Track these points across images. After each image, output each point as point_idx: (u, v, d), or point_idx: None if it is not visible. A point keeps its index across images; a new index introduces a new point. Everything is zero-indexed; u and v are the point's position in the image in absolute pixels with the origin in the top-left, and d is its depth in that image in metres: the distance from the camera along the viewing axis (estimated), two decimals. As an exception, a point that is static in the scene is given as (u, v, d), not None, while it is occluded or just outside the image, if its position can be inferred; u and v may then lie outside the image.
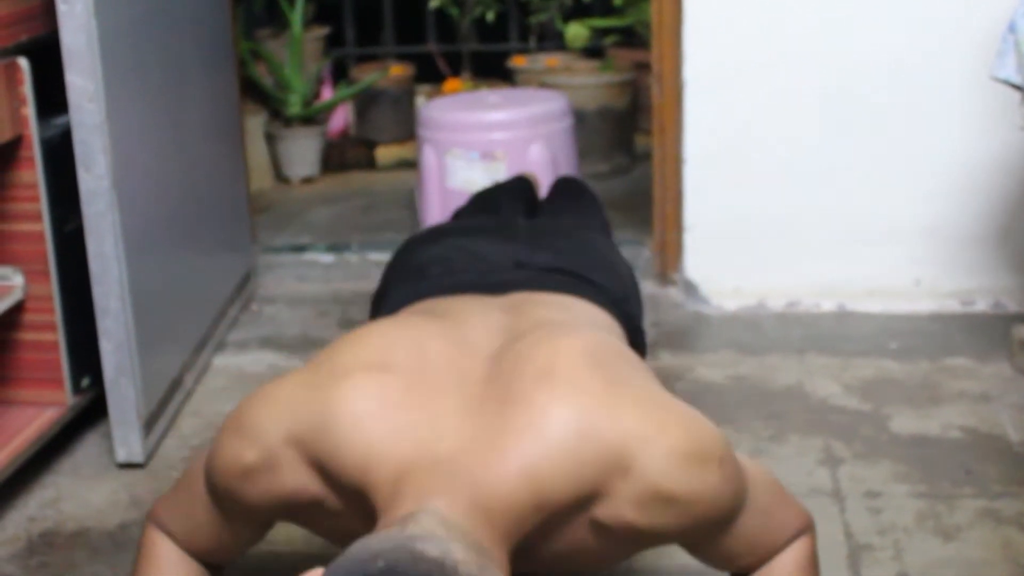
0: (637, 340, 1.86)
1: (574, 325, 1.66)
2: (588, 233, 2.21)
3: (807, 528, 1.61)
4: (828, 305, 3.04)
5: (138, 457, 2.38)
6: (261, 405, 1.49)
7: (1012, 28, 2.43)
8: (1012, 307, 2.98)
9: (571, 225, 2.37)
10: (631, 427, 1.42)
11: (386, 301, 1.87)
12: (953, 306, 3.00)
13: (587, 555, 1.49)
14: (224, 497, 1.53)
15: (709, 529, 1.48)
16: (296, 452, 1.45)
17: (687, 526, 1.45)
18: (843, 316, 3.00)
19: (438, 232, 2.14)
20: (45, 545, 2.16)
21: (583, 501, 1.42)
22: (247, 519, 1.56)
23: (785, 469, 2.26)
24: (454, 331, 1.57)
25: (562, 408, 1.42)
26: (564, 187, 2.92)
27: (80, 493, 2.32)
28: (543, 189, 3.13)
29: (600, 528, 1.44)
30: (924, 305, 3.01)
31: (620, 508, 1.42)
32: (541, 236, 2.04)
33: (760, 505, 1.54)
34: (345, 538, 1.44)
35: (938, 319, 2.96)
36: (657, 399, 1.49)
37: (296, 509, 1.51)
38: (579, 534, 1.45)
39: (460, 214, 2.67)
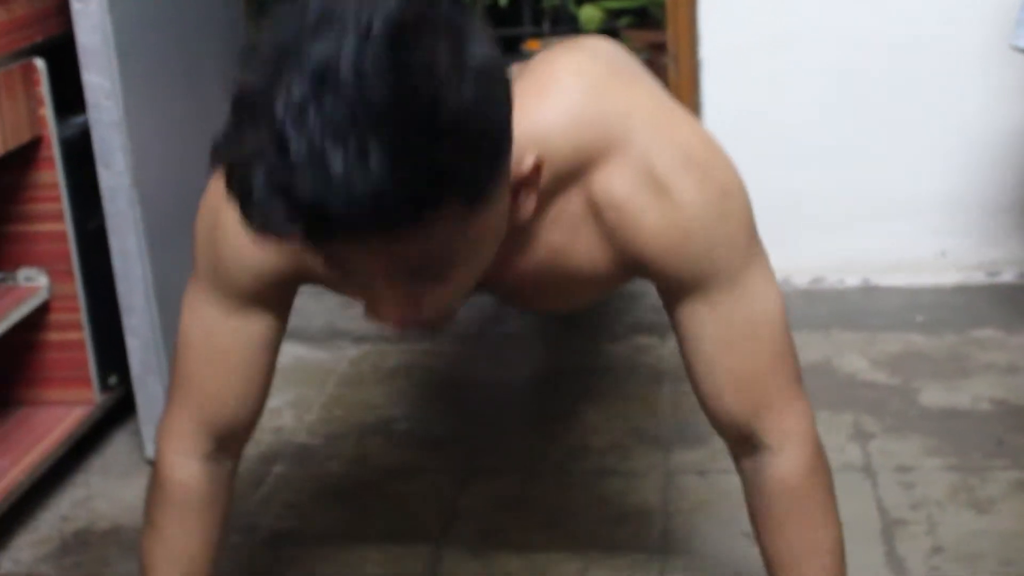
0: None
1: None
2: None
3: (804, 434, 1.50)
4: (853, 280, 3.03)
5: (167, 453, 2.38)
6: (214, 184, 1.46)
7: (1031, -5, 2.41)
8: (1038, 276, 2.97)
9: None
10: (642, 105, 1.40)
11: None
12: (979, 277, 2.99)
13: (566, 264, 1.44)
14: (236, 274, 1.48)
15: (687, 268, 1.41)
16: None
17: (665, 238, 1.38)
18: (868, 291, 2.99)
19: None
20: (79, 544, 2.17)
21: (581, 166, 1.37)
22: (267, 289, 1.50)
23: (815, 446, 2.26)
24: None
25: (575, 69, 1.40)
26: None
27: (111, 491, 2.33)
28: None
29: (589, 212, 1.40)
30: (949, 277, 2.99)
31: (613, 179, 1.37)
32: None
33: (757, 330, 1.45)
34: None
35: (964, 291, 2.95)
36: (676, 106, 1.47)
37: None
38: (567, 220, 1.40)
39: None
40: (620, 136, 1.38)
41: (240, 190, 1.09)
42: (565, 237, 1.42)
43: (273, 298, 1.54)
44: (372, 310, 1.22)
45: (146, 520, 1.64)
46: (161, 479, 1.62)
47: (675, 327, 1.49)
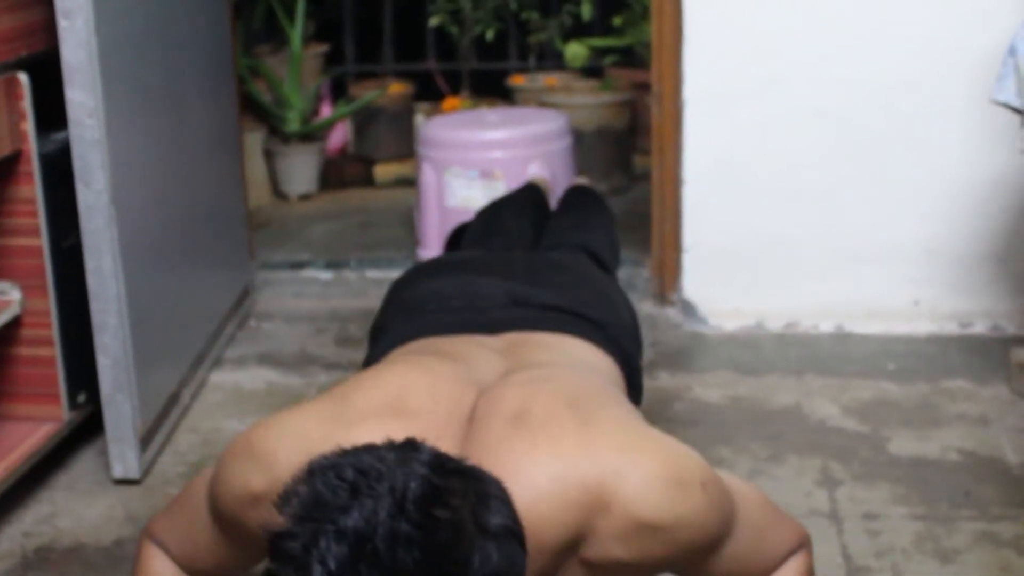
0: (634, 379, 1.86)
1: (557, 366, 1.66)
2: (588, 268, 2.22)
3: (803, 544, 1.61)
4: (827, 326, 3.04)
5: (134, 473, 2.37)
6: (274, 433, 1.48)
7: (1012, 51, 2.43)
8: (1010, 330, 2.98)
9: (572, 258, 2.37)
10: (607, 463, 1.43)
11: (385, 336, 1.87)
12: (952, 328, 3.00)
13: None
14: (228, 521, 1.52)
15: (698, 553, 1.47)
16: None
17: (676, 553, 1.44)
18: (842, 337, 3.00)
19: (436, 266, 2.16)
20: (40, 561, 2.15)
21: (570, 544, 1.41)
22: (250, 543, 1.54)
23: (783, 490, 2.26)
24: (464, 372, 1.59)
25: (540, 455, 1.42)
26: (576, 200, 2.92)
27: (76, 509, 2.31)
28: (554, 193, 3.15)
29: (591, 567, 1.44)
30: (923, 326, 3.00)
31: (607, 545, 1.42)
32: (539, 271, 2.05)
33: (752, 525, 1.53)
34: None
35: (936, 341, 2.96)
36: (632, 432, 1.50)
37: None
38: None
39: (465, 232, 2.67)
40: (599, 504, 1.41)
41: None
42: None
43: (248, 547, 1.57)
44: None
45: None
46: (141, 565, 1.65)
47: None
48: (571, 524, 1.40)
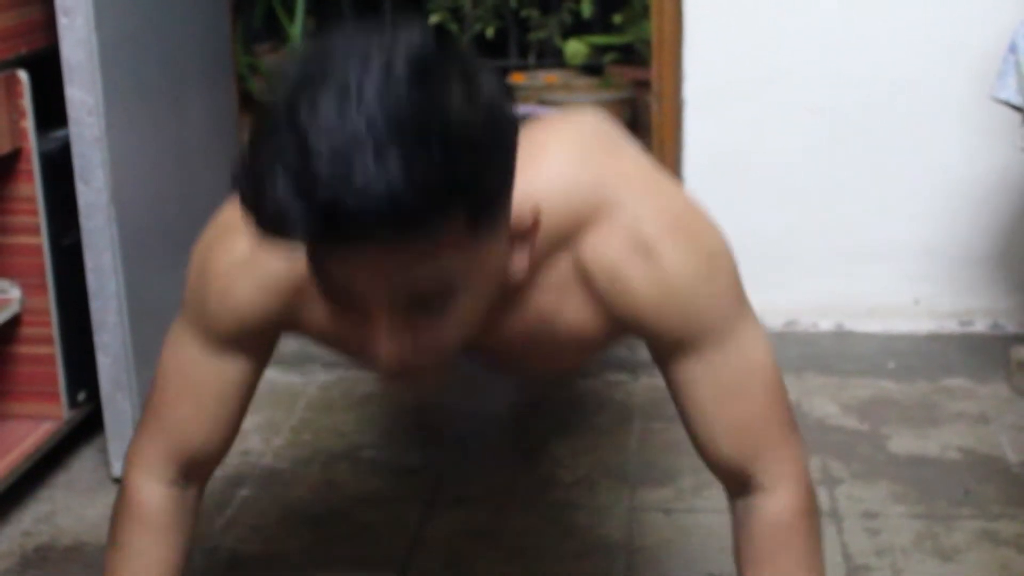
0: None
1: None
2: None
3: (798, 476, 1.51)
4: (826, 324, 3.04)
5: (134, 472, 2.37)
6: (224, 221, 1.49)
7: (1013, 48, 2.43)
8: (1011, 328, 2.98)
9: None
10: (629, 174, 1.43)
11: None
12: (952, 326, 3.00)
13: (555, 328, 1.47)
14: (219, 317, 1.51)
15: (678, 328, 1.43)
16: None
17: (655, 300, 1.41)
18: (841, 335, 3.00)
19: None
20: (40, 560, 2.15)
21: (571, 230, 1.40)
22: (248, 336, 1.53)
23: (783, 489, 2.26)
24: None
25: (565, 139, 1.44)
26: None
27: (76, 507, 2.31)
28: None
29: (579, 276, 1.42)
30: (923, 325, 3.00)
31: (603, 243, 1.41)
32: None
33: (748, 381, 1.47)
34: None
35: (936, 339, 2.96)
36: (662, 175, 1.50)
37: (296, 291, 1.48)
38: (557, 284, 1.43)
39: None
40: (609, 202, 1.41)
41: (257, 194, 1.12)
42: (554, 301, 1.45)
43: (253, 344, 1.57)
44: (367, 348, 1.23)
45: (110, 539, 1.65)
46: (127, 500, 1.63)
47: (668, 383, 1.51)
48: (578, 207, 1.40)
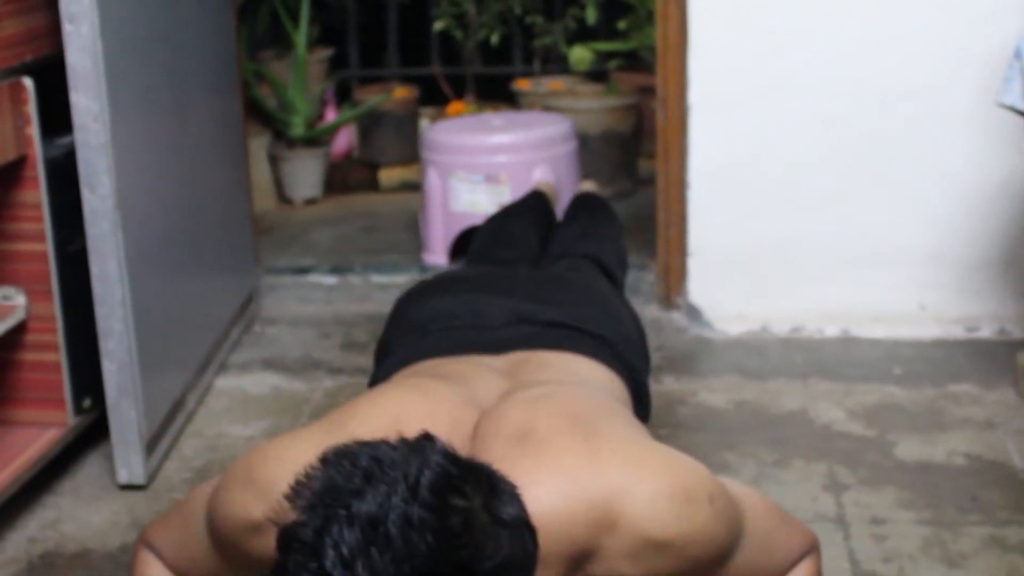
0: (640, 395, 1.86)
1: (561, 384, 1.67)
2: (593, 281, 2.22)
3: (812, 548, 1.61)
4: (832, 330, 3.03)
5: (139, 479, 2.37)
6: (272, 461, 1.47)
7: (1018, 54, 2.43)
8: (1017, 334, 2.97)
9: (576, 273, 2.37)
10: (613, 480, 1.43)
11: (388, 358, 1.88)
12: (958, 332, 2.99)
13: None
14: (226, 544, 1.52)
15: (707, 565, 1.47)
16: None
17: (685, 567, 1.44)
18: (847, 341, 3.00)
19: (441, 283, 2.15)
20: (45, 566, 2.15)
21: (577, 560, 1.41)
22: (247, 567, 1.54)
23: (789, 495, 2.25)
24: (465, 393, 1.59)
25: (544, 473, 1.42)
26: (583, 208, 2.91)
27: (81, 514, 2.31)
28: (559, 197, 3.14)
29: None
30: (928, 331, 3.00)
31: (614, 563, 1.42)
32: (544, 287, 2.06)
33: (760, 533, 1.53)
34: None
35: (942, 345, 2.96)
36: (637, 447, 1.50)
37: None
38: None
39: (472, 240, 2.67)
40: (606, 520, 1.41)
41: None
42: None
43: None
44: None
45: None
46: (139, 564, 1.66)
47: None
48: (578, 540, 1.40)
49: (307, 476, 1.19)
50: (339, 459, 1.20)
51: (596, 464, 1.44)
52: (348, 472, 1.17)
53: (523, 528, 1.23)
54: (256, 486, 1.46)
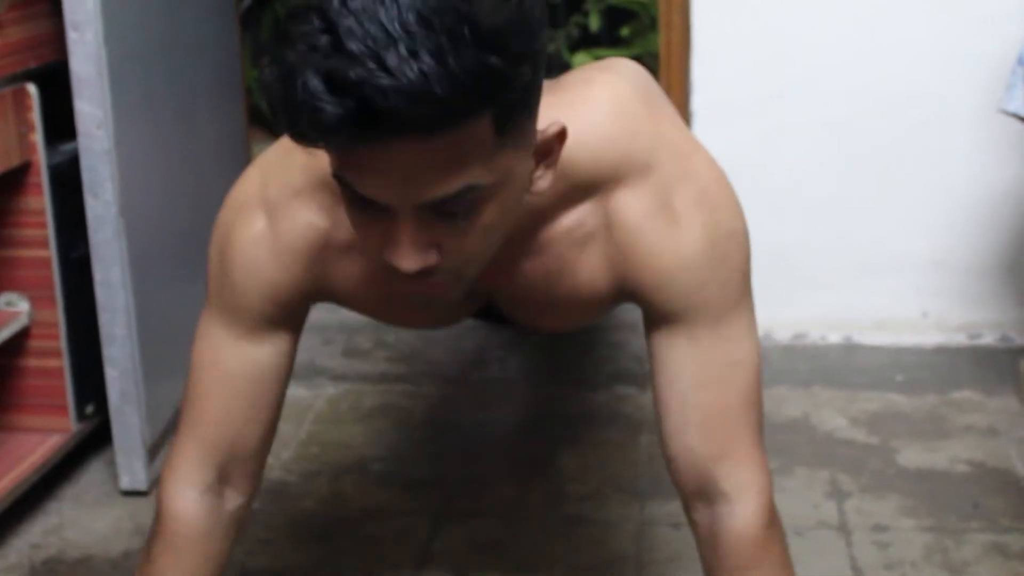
0: None
1: None
2: None
3: (764, 486, 1.49)
4: (835, 337, 3.03)
5: (142, 485, 2.37)
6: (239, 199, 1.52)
7: (1021, 61, 2.43)
8: (1019, 341, 2.97)
9: None
10: (667, 136, 1.45)
11: None
12: (960, 339, 2.99)
13: (565, 280, 1.48)
14: (246, 295, 1.50)
15: (680, 297, 1.45)
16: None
17: (667, 266, 1.43)
18: (850, 348, 3.00)
19: None
20: (48, 573, 2.15)
21: (603, 181, 1.42)
22: (278, 311, 1.52)
23: (791, 502, 2.25)
24: None
25: (610, 91, 1.45)
26: None
27: (83, 521, 2.31)
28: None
29: (600, 227, 1.44)
30: (931, 338, 3.00)
31: (630, 200, 1.42)
32: None
33: (732, 374, 1.48)
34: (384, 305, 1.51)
35: (945, 352, 2.96)
36: (698, 143, 1.52)
37: (318, 255, 1.49)
38: (577, 231, 1.45)
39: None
40: (644, 160, 1.43)
41: (286, 91, 1.13)
42: (573, 251, 1.46)
43: (284, 319, 1.54)
44: (390, 254, 1.23)
45: (144, 549, 1.59)
46: (161, 511, 1.57)
47: (652, 357, 1.51)
48: (609, 161, 1.42)
49: None
50: None
51: (655, 116, 1.46)
52: None
53: (533, 5, 1.20)
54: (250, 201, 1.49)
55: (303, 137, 1.15)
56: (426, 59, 1.09)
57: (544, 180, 1.32)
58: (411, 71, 1.09)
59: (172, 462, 1.57)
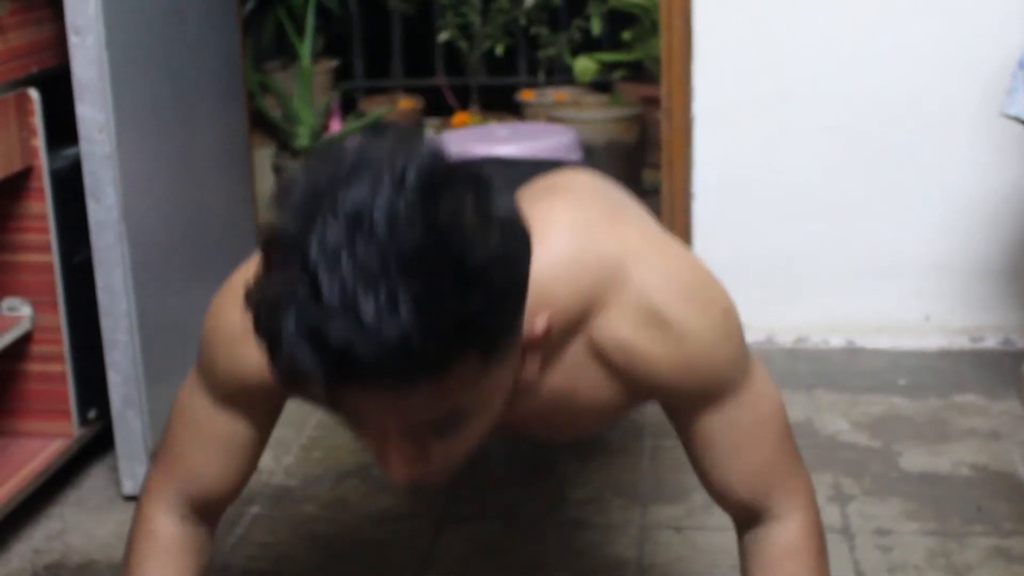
0: None
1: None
2: None
3: (802, 509, 1.54)
4: (837, 341, 3.03)
5: (144, 490, 2.37)
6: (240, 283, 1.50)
7: (1022, 65, 2.43)
8: (1022, 344, 2.97)
9: None
10: (631, 243, 1.42)
11: None
12: (962, 342, 2.99)
13: (573, 404, 1.48)
14: (225, 378, 1.51)
15: (698, 389, 1.45)
16: None
17: (676, 368, 1.42)
18: (852, 352, 2.99)
19: None
20: (50, 578, 2.16)
21: (581, 314, 1.40)
22: (253, 399, 1.53)
23: (794, 506, 2.25)
24: None
25: (563, 213, 1.42)
26: None
27: (86, 526, 2.31)
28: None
29: (593, 355, 1.43)
30: (933, 341, 3.00)
31: (615, 322, 1.40)
32: None
33: (751, 423, 1.49)
34: None
35: (947, 355, 2.95)
36: (662, 236, 1.51)
37: None
38: (572, 366, 1.44)
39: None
40: (615, 278, 1.41)
41: (269, 332, 1.11)
42: (570, 381, 1.46)
43: (259, 406, 1.57)
44: (382, 462, 1.24)
45: (125, 563, 1.64)
46: (141, 526, 1.63)
47: (680, 430, 1.53)
48: (585, 289, 1.39)
49: (291, 180, 1.14)
50: (323, 157, 1.15)
51: (616, 226, 1.44)
52: (332, 168, 1.12)
53: (516, 226, 1.18)
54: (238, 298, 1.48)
55: (284, 384, 1.14)
56: (405, 309, 1.06)
57: (533, 367, 1.31)
58: (388, 326, 1.06)
59: (154, 489, 1.63)
